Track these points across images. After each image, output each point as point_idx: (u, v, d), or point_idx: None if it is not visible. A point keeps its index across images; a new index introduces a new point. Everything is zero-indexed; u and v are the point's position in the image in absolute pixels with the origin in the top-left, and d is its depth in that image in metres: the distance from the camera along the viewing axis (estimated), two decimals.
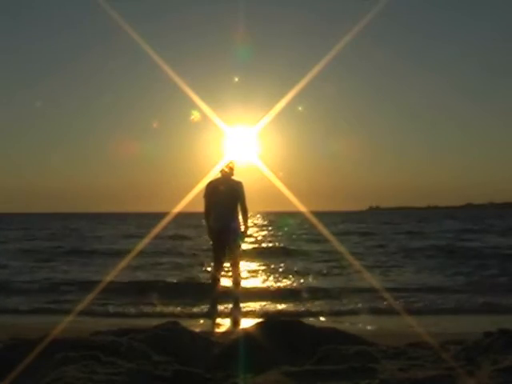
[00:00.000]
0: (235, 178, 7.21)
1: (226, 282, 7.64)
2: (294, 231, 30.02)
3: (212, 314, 6.89)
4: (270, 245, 21.42)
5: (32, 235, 29.47)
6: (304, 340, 3.85)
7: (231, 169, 7.22)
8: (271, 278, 11.18)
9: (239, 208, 7.12)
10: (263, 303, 7.99)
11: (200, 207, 7.25)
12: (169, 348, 3.62)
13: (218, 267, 7.20)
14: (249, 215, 7.24)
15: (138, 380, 2.99)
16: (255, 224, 43.22)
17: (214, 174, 7.30)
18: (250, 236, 23.81)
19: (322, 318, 7.12)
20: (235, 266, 7.21)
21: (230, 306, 7.10)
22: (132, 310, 7.75)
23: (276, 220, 52.66)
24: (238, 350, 3.64)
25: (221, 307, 7.13)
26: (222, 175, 7.19)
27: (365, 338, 4.14)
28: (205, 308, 7.34)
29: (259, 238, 25.51)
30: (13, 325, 6.58)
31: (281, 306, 7.86)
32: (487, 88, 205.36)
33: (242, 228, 7.15)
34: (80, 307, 7.26)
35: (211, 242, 7.27)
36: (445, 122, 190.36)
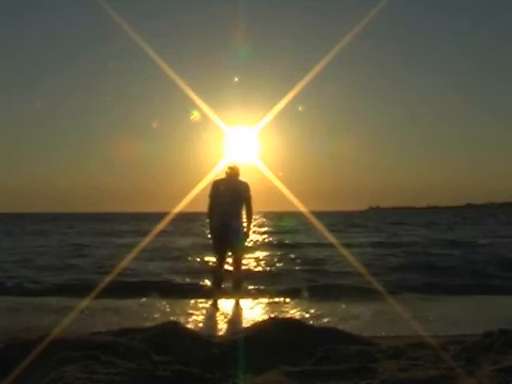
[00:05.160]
0: (242, 178, 7.23)
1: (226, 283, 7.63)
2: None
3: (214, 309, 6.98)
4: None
5: None
6: (304, 340, 3.85)
7: (236, 170, 7.23)
8: (271, 277, 11.16)
9: (243, 209, 7.12)
10: (263, 303, 7.98)
11: (201, 207, 7.26)
12: (169, 348, 3.62)
13: (220, 266, 7.21)
14: (253, 217, 7.25)
15: (137, 380, 2.99)
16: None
17: (213, 174, 7.32)
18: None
19: (321, 318, 7.11)
20: (237, 265, 7.22)
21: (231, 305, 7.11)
22: None
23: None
24: (238, 350, 3.64)
25: (221, 306, 7.13)
26: (227, 175, 7.20)
27: (365, 338, 4.14)
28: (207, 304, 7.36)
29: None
30: (12, 325, 6.57)
31: (281, 306, 7.85)
32: (487, 88, 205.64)
33: (245, 229, 7.15)
34: None
35: (212, 241, 7.28)
36: (445, 122, 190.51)
